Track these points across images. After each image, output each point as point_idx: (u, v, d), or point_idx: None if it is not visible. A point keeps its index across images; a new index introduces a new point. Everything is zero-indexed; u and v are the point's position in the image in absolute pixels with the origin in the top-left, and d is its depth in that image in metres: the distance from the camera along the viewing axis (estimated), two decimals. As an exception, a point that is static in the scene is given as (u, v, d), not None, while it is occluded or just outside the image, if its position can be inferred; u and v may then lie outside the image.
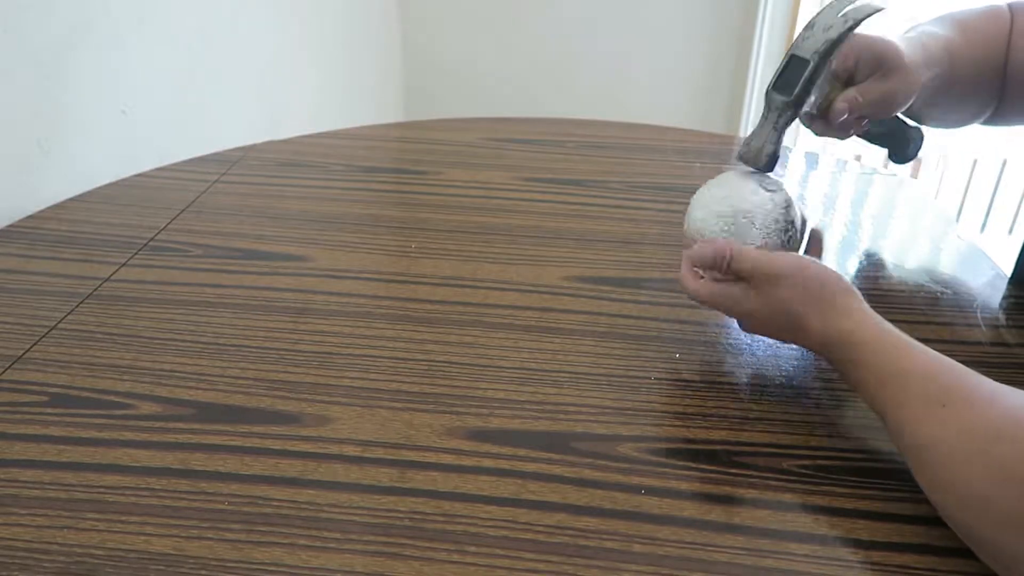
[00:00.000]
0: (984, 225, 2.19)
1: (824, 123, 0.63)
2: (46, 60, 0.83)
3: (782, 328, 0.52)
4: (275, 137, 1.01)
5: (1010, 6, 0.68)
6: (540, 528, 0.44)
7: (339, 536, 0.43)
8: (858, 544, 0.43)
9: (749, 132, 0.59)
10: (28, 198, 0.81)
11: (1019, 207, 2.18)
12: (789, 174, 0.96)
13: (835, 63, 0.61)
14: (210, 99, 1.18)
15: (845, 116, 0.61)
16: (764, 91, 0.59)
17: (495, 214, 0.81)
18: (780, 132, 0.58)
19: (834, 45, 0.56)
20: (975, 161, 2.19)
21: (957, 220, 2.11)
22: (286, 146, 0.99)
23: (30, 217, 0.79)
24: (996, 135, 2.08)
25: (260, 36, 1.35)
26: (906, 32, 0.71)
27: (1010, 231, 2.17)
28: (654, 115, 1.21)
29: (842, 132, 0.64)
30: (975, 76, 0.67)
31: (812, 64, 0.56)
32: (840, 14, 0.56)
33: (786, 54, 0.58)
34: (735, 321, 0.56)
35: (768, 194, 0.54)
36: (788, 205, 0.55)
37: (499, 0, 2.03)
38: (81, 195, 0.84)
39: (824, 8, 0.57)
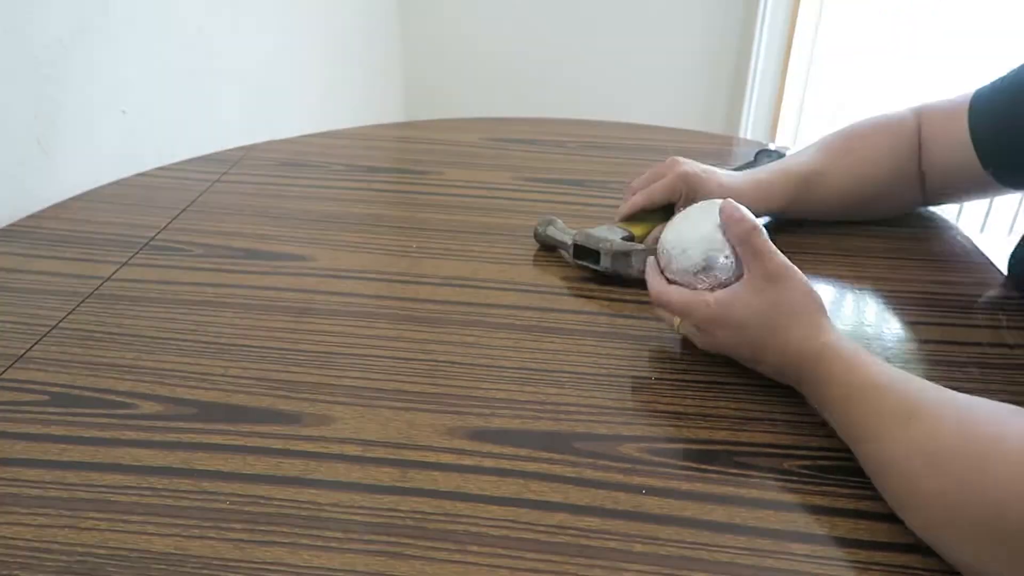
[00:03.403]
0: (984, 225, 2.19)
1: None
2: (46, 60, 0.83)
3: (758, 335, 0.51)
4: (275, 137, 1.01)
5: (916, 111, 0.72)
6: (542, 528, 0.44)
7: (341, 536, 0.43)
8: (859, 544, 0.43)
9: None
10: (28, 198, 0.81)
11: (1019, 207, 2.18)
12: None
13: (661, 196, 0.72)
14: (210, 99, 1.18)
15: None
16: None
17: (496, 214, 0.81)
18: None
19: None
20: (975, 161, 2.19)
21: (957, 220, 2.11)
22: (286, 146, 0.99)
23: (31, 217, 0.79)
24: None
25: (260, 36, 1.34)
26: (787, 158, 0.77)
27: (1010, 231, 2.17)
28: (654, 115, 1.21)
29: None
30: (850, 191, 0.74)
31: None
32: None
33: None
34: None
35: None
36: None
37: (499, 1, 2.03)
38: (81, 195, 0.84)
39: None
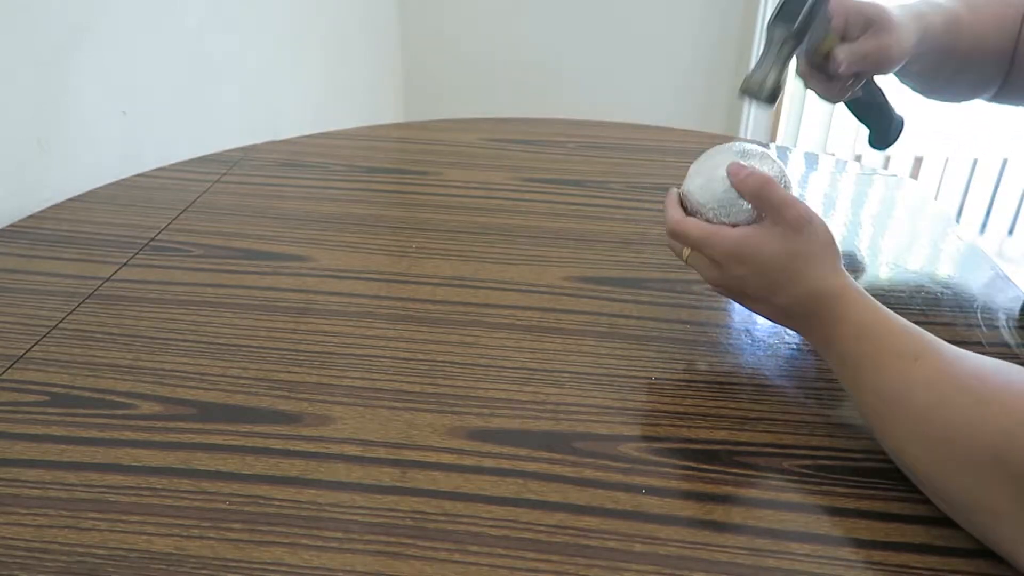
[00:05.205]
0: (984, 225, 2.19)
1: (822, 77, 0.65)
2: (46, 60, 0.83)
3: (776, 277, 0.51)
4: (275, 137, 1.01)
5: None
6: (541, 528, 0.44)
7: (341, 536, 0.43)
8: (858, 544, 0.43)
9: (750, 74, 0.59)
10: (28, 198, 0.81)
11: (1019, 207, 2.18)
12: (789, 174, 0.96)
13: (832, 20, 0.62)
14: (210, 99, 1.18)
15: (843, 67, 0.63)
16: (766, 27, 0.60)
17: (496, 214, 0.81)
18: (782, 64, 0.58)
19: None
20: (975, 161, 2.19)
21: (957, 220, 2.11)
22: (286, 146, 0.99)
23: (31, 217, 0.79)
24: (996, 134, 2.08)
25: (260, 36, 1.35)
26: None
27: (1010, 231, 2.18)
28: (654, 115, 1.21)
29: (838, 91, 0.66)
30: (978, 52, 0.68)
31: None
32: None
33: None
34: (723, 300, 0.57)
35: (766, 168, 0.55)
36: (782, 176, 0.55)
37: (499, 1, 2.03)
38: (81, 195, 0.84)
39: None
